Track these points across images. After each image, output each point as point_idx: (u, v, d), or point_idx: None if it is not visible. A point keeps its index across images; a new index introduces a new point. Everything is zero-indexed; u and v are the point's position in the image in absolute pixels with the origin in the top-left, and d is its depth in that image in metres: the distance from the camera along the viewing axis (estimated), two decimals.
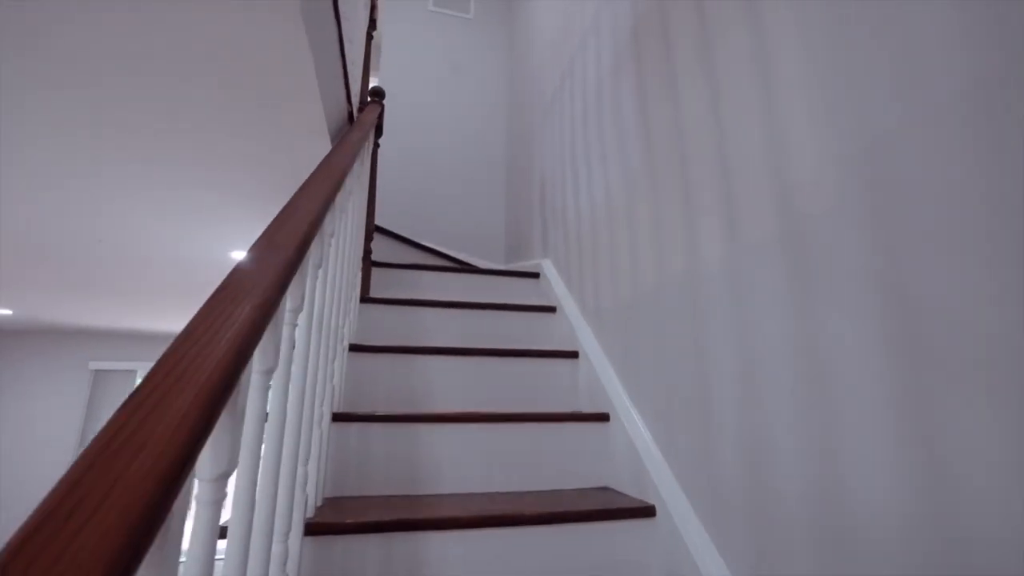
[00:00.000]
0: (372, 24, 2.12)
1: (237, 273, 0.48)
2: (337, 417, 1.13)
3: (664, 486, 1.04)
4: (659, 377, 1.14)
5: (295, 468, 0.74)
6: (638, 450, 1.15)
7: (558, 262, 1.90)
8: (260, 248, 0.54)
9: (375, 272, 1.90)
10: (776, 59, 0.84)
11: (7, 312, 3.86)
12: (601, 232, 1.50)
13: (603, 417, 1.29)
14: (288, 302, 0.68)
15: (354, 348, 1.38)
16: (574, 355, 1.54)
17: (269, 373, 0.57)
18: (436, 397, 1.41)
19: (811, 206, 0.75)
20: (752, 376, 0.85)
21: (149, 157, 1.42)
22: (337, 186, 0.88)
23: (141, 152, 1.35)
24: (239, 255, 2.53)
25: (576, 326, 1.59)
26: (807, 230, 0.76)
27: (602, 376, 1.37)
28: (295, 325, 0.69)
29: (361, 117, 1.54)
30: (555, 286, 1.83)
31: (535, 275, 2.04)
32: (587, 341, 1.51)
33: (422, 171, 3.06)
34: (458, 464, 1.19)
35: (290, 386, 0.72)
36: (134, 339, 4.70)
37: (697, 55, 1.07)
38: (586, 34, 1.78)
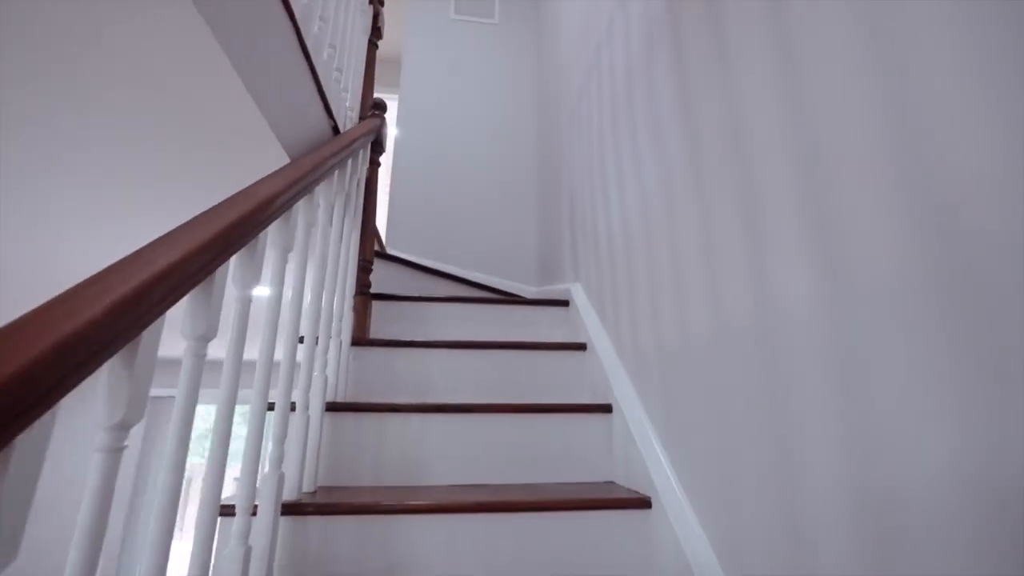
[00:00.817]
0: (377, 32, 1.93)
1: None
2: (288, 509, 0.88)
3: None
4: (720, 460, 0.81)
5: None
6: (690, 561, 0.82)
7: (589, 288, 1.60)
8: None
9: (380, 307, 1.67)
10: None
11: None
12: (637, 253, 1.19)
13: (644, 503, 0.97)
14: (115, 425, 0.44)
15: (333, 407, 1.14)
16: (607, 409, 1.22)
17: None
18: (434, 469, 1.14)
19: (985, 216, 0.42)
20: (886, 495, 0.51)
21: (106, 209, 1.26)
22: (247, 222, 0.64)
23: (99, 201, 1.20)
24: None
25: (610, 370, 1.28)
26: (976, 260, 0.43)
27: (641, 443, 1.05)
28: (119, 451, 0.44)
29: (344, 133, 1.32)
30: (586, 317, 1.52)
31: (564, 303, 1.74)
32: (622, 391, 1.19)
33: (448, 189, 2.84)
34: (451, 569, 0.91)
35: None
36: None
37: (761, 6, 0.75)
38: (613, 12, 1.49)
